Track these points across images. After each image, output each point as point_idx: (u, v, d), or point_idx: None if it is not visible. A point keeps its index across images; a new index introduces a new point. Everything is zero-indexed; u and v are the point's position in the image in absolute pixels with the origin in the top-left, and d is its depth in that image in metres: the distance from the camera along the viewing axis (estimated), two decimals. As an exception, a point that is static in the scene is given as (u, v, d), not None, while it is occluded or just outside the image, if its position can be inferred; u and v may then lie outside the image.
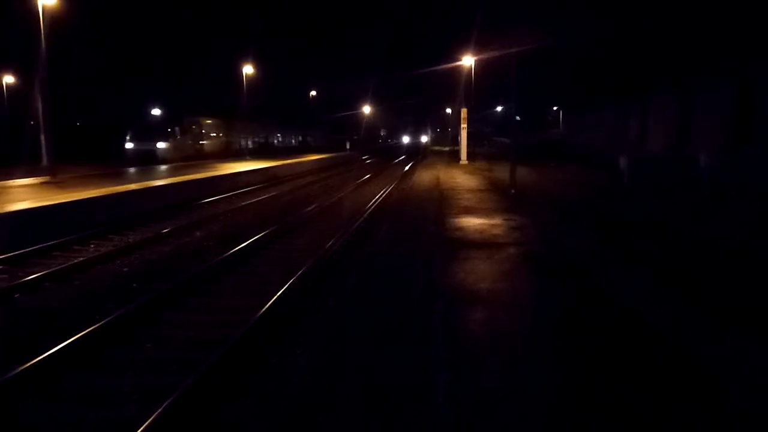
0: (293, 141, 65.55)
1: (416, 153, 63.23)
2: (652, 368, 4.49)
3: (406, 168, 37.08)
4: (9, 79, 46.00)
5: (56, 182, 18.53)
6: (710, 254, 8.64)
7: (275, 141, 58.46)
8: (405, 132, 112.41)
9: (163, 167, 27.68)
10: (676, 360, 4.64)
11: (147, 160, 30.11)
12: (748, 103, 17.86)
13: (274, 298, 7.47)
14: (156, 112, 35.50)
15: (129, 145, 31.92)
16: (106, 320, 6.58)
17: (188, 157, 33.62)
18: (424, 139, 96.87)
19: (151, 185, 17.98)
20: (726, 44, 18.36)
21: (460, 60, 36.73)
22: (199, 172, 23.21)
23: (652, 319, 5.55)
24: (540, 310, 6.17)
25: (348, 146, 68.30)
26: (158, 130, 33.05)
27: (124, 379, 5.48)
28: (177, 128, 33.80)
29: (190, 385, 4.95)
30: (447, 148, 68.95)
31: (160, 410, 4.53)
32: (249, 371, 5.64)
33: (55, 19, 20.54)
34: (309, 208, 16.75)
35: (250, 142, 49.55)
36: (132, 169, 25.90)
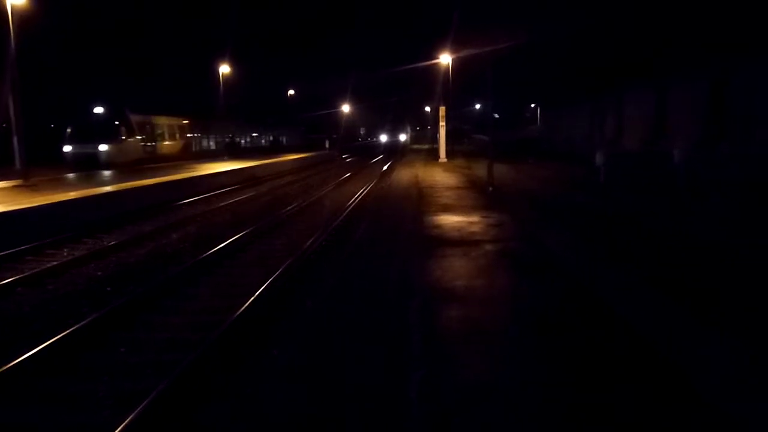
0: (263, 141, 62.13)
1: (394, 152, 62.48)
2: (629, 364, 4.52)
3: (386, 167, 37.08)
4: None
5: (29, 185, 18.22)
6: (683, 250, 8.76)
7: (243, 141, 54.90)
8: (383, 130, 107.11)
9: (107, 173, 25.10)
10: (651, 355, 4.69)
11: (88, 165, 26.85)
12: (723, 100, 18.14)
13: (252, 299, 7.42)
14: (99, 110, 30.55)
15: (67, 148, 28.35)
16: (79, 325, 6.49)
17: (138, 160, 30.34)
18: (402, 137, 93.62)
19: (125, 187, 17.79)
20: (701, 42, 18.64)
21: (438, 58, 36.84)
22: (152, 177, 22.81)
23: (628, 314, 5.61)
24: (516, 306, 6.20)
25: (327, 145, 67.91)
26: (100, 130, 29.06)
27: (99, 384, 5.41)
28: (123, 128, 29.93)
29: (165, 389, 4.90)
30: (426, 146, 69.12)
31: (133, 414, 4.48)
32: (225, 373, 5.59)
33: (25, 18, 20.17)
34: (289, 208, 16.68)
35: (213, 143, 46.17)
36: (71, 175, 23.87)
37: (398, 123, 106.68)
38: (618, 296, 6.28)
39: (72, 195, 15.22)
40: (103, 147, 28.43)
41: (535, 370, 4.47)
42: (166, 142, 35.80)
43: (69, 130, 28.94)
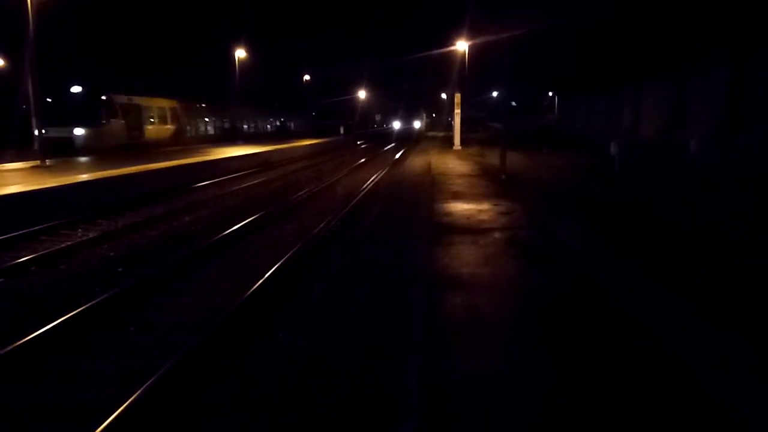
0: (268, 126, 58.14)
1: (408, 140, 59.93)
2: (633, 359, 4.49)
3: (399, 154, 37.02)
4: (-1, 62, 45.21)
5: (45, 166, 18.48)
6: (693, 244, 8.69)
7: (246, 127, 50.77)
8: (396, 117, 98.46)
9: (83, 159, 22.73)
10: (654, 348, 4.67)
11: (61, 150, 24.08)
12: (741, 90, 17.87)
13: (260, 282, 7.49)
14: (77, 89, 27.07)
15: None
16: (89, 304, 6.60)
17: (122, 146, 27.56)
18: (417, 124, 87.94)
19: (141, 170, 17.97)
20: (720, 31, 18.33)
21: (455, 45, 36.62)
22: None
23: (634, 306, 5.59)
24: (521, 296, 6.19)
25: (342, 131, 67.76)
26: (76, 112, 26.08)
27: (107, 363, 5.51)
28: (103, 110, 27.03)
29: (170, 368, 4.99)
30: (441, 134, 68.82)
31: (138, 392, 4.57)
32: (231, 355, 5.67)
33: (44, 3, 20.31)
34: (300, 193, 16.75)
35: (211, 128, 42.62)
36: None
37: (412, 109, 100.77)
38: (625, 289, 6.25)
39: (84, 177, 15.41)
40: (78, 131, 25.89)
41: (537, 361, 4.48)
42: (156, 127, 32.81)
43: (42, 112, 25.25)
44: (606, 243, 8.54)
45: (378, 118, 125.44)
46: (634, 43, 25.84)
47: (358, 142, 57.14)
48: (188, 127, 38.16)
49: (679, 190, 14.08)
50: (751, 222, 10.22)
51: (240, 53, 42.01)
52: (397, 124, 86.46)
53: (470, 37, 35.76)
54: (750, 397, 3.85)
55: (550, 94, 63.32)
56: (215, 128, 43.54)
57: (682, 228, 9.67)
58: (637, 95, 27.06)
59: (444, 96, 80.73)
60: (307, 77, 66.12)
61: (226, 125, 45.17)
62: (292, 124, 66.29)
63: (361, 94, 79.98)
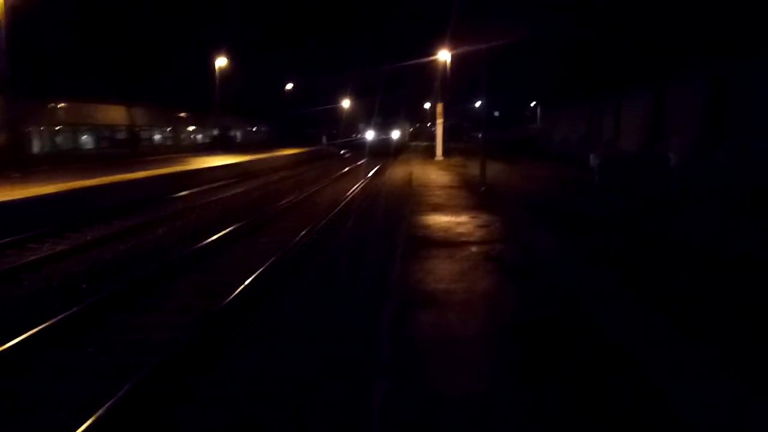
0: (197, 137, 44.39)
1: (385, 155, 47.96)
2: (604, 376, 4.37)
3: (380, 165, 36.86)
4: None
5: (19, 177, 18.12)
6: (671, 254, 8.62)
7: (156, 136, 37.58)
8: (369, 125, 78.56)
9: None
10: (628, 367, 4.53)
11: None
12: (722, 102, 17.98)
13: (229, 299, 7.27)
14: None
15: None
16: (48, 323, 6.34)
17: None
18: (395, 134, 74.20)
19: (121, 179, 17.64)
20: (700, 43, 18.48)
21: (437, 54, 36.63)
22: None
23: (610, 323, 5.47)
24: (496, 313, 6.04)
25: (324, 141, 67.01)
26: None
27: (61, 385, 5.26)
28: None
29: (129, 390, 4.75)
30: (425, 143, 68.69)
31: (91, 420, 4.33)
32: (194, 375, 5.43)
33: (18, 10, 19.93)
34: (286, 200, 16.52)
35: (88, 138, 30.02)
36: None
37: (390, 117, 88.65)
38: (600, 304, 6.13)
39: (56, 188, 15.08)
40: None
41: (511, 383, 4.32)
42: None
43: None
44: (584, 257, 8.43)
45: (362, 126, 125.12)
46: (615, 54, 26.04)
47: (342, 152, 56.93)
48: (37, 140, 26.22)
49: (659, 203, 14.07)
50: (724, 233, 10.18)
51: (221, 61, 41.12)
52: (370, 134, 68.88)
53: (453, 46, 35.78)
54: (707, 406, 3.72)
55: (533, 104, 63.66)
56: (98, 139, 31.09)
57: (659, 242, 9.60)
58: (617, 106, 27.23)
59: (428, 105, 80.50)
60: (289, 86, 65.40)
61: (119, 136, 33.12)
62: (238, 134, 51.50)
63: (345, 103, 79.54)
